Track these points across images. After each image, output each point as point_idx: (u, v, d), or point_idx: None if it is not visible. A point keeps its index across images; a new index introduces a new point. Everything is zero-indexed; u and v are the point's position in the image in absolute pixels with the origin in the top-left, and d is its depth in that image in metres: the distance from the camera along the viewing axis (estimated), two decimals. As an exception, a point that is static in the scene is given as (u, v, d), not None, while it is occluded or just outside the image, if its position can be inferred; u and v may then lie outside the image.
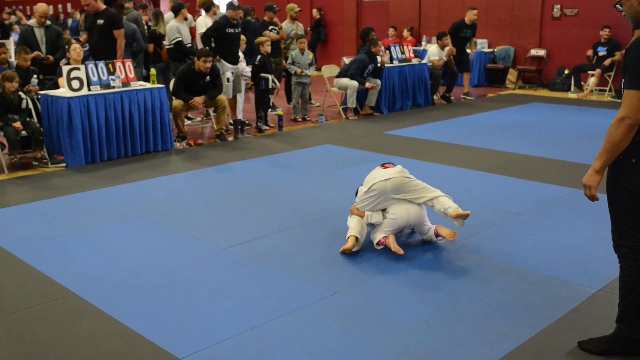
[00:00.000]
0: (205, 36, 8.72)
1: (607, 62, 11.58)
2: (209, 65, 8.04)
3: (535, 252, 4.57)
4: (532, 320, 3.58)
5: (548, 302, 3.79)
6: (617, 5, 3.06)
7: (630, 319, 3.11)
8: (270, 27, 10.30)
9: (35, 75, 7.62)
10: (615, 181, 3.02)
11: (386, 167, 4.75)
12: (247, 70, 9.26)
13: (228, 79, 8.77)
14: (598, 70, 11.66)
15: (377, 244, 4.61)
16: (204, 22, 9.46)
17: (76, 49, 7.94)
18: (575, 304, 3.77)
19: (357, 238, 4.58)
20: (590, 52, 11.96)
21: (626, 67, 2.92)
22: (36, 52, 8.00)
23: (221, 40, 8.74)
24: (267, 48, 9.01)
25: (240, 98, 9.11)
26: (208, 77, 8.21)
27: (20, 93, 7.23)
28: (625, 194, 2.99)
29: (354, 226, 4.63)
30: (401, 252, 4.46)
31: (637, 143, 2.92)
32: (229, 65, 8.84)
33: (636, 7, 2.96)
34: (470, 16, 11.67)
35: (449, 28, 11.74)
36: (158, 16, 10.05)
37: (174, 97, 8.25)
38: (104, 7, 8.27)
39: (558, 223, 5.16)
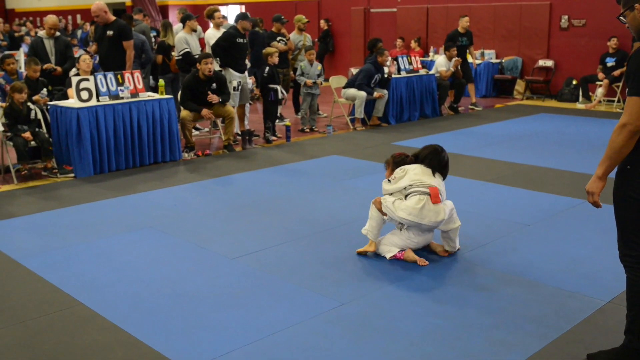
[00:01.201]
0: (217, 46, 8.80)
1: (616, 72, 11.54)
2: (210, 66, 8.10)
3: (543, 263, 4.55)
4: (540, 331, 3.56)
5: (557, 314, 3.77)
6: (621, 17, 3.06)
7: (638, 330, 3.08)
8: (278, 38, 10.35)
9: (45, 89, 7.67)
10: (622, 191, 3.01)
11: (435, 202, 4.44)
12: (250, 81, 9.36)
13: (235, 88, 8.82)
14: (605, 81, 11.63)
15: (392, 257, 4.60)
16: (213, 34, 9.53)
17: (85, 60, 7.99)
18: (584, 315, 3.74)
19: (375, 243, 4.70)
20: (601, 76, 11.83)
21: (629, 74, 2.94)
22: (46, 65, 8.06)
23: (230, 49, 8.83)
24: (274, 59, 9.06)
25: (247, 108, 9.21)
26: (214, 84, 8.24)
27: (29, 104, 7.28)
28: (631, 203, 2.98)
29: (375, 226, 4.65)
30: (426, 262, 4.53)
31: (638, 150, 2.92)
32: (236, 74, 8.91)
33: (638, 18, 2.96)
34: (462, 24, 11.69)
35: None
36: (167, 27, 10.13)
37: (182, 108, 8.29)
38: (113, 18, 8.34)
39: (566, 234, 5.13)
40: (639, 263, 3.02)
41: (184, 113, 8.15)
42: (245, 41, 9.06)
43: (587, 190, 3.11)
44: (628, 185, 2.98)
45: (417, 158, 4.71)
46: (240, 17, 9.07)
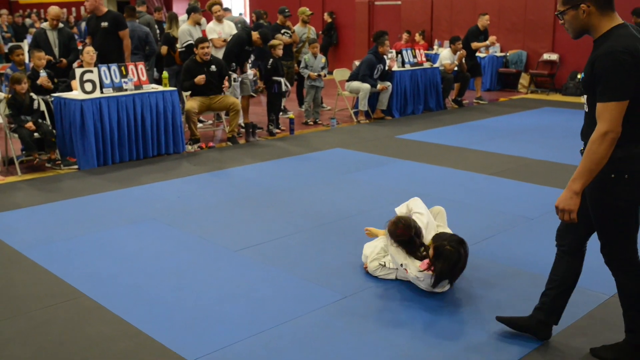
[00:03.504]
0: (229, 52, 8.83)
1: None
2: (207, 50, 8.18)
3: (547, 256, 4.51)
4: (543, 325, 3.55)
5: (560, 308, 3.76)
6: (558, 15, 2.91)
7: (639, 328, 3.07)
8: (282, 31, 10.33)
9: (43, 70, 7.64)
10: (604, 199, 2.87)
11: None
12: (251, 73, 9.37)
13: (235, 79, 8.83)
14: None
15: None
16: (212, 27, 9.51)
17: (89, 52, 7.98)
18: (587, 309, 3.74)
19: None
20: None
21: (597, 79, 2.75)
22: (47, 57, 8.06)
23: (238, 54, 8.91)
24: (279, 51, 9.04)
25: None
26: (214, 67, 8.28)
27: (32, 94, 7.28)
28: (616, 211, 2.87)
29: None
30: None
31: (627, 157, 2.77)
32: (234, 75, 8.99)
33: (581, 18, 2.82)
34: (482, 22, 11.61)
35: (464, 35, 11.65)
36: (172, 19, 10.11)
37: (186, 98, 8.30)
38: (105, 9, 8.38)
39: (570, 228, 5.11)
40: (629, 264, 2.99)
41: (189, 105, 8.14)
42: (252, 50, 9.20)
43: (561, 208, 2.85)
44: (616, 194, 2.83)
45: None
46: (263, 36, 8.95)
